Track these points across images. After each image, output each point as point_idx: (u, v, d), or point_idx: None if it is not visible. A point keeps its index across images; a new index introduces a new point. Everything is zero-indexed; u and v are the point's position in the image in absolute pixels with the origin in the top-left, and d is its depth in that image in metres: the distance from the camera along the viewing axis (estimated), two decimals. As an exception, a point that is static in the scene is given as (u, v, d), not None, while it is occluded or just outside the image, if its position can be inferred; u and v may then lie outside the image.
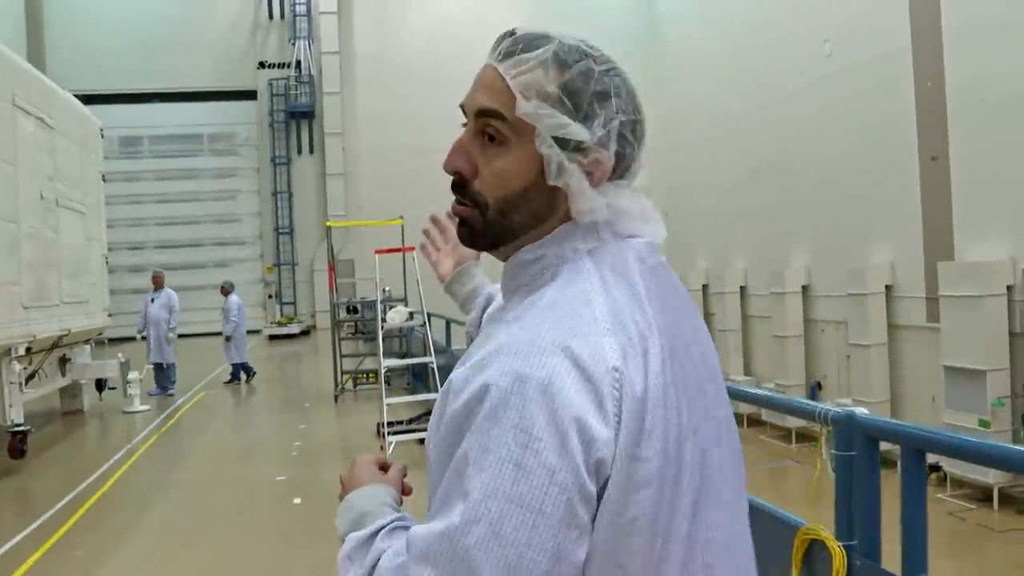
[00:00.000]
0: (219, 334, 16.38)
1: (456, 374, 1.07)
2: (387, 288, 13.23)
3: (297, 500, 7.49)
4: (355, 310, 23.60)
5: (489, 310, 1.55)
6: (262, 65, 32.13)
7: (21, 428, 8.83)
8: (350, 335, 17.22)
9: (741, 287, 18.86)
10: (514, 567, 0.95)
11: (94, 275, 11.42)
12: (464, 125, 1.21)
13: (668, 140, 23.62)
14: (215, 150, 32.47)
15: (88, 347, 12.55)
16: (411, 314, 9.01)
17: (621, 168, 1.19)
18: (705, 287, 20.86)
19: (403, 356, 13.06)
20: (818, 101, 19.93)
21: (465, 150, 1.19)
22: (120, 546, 6.54)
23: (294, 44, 31.59)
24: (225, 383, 15.92)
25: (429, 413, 9.75)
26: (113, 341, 29.13)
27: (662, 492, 1.02)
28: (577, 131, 1.13)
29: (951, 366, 13.68)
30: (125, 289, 31.36)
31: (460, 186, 1.20)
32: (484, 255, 1.45)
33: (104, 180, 12.21)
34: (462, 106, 1.20)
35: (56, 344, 10.18)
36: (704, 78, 24.83)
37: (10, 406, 8.60)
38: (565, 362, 1.00)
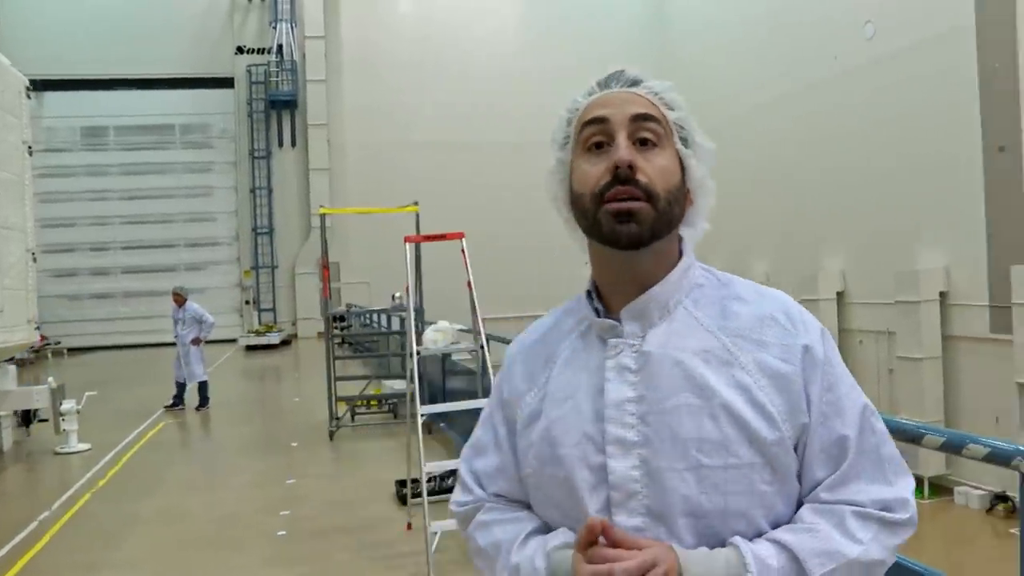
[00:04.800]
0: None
1: (810, 342, 1.32)
2: (397, 295, 10.67)
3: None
4: (342, 319, 21.28)
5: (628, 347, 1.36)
6: (240, 50, 30.36)
7: None
8: (337, 346, 14.71)
9: (763, 294, 17.39)
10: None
11: (12, 277, 8.67)
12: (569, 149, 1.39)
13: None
14: (188, 142, 30.51)
15: (11, 368, 9.83)
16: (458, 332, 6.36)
17: None
18: (719, 293, 19.40)
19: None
20: (856, 89, 18.78)
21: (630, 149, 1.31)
22: None
23: (275, 27, 29.71)
24: (197, 408, 13.31)
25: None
26: (74, 351, 26.65)
27: None
28: (706, 140, 1.39)
29: (1030, 384, 12.95)
30: (86, 294, 29.07)
31: (627, 180, 1.29)
32: None
33: (31, 153, 9.48)
34: (600, 118, 1.33)
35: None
36: (720, 67, 23.59)
37: None
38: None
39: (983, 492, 13.41)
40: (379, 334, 16.27)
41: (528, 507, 1.44)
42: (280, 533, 6.47)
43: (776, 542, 1.25)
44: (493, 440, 1.49)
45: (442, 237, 5.65)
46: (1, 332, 8.34)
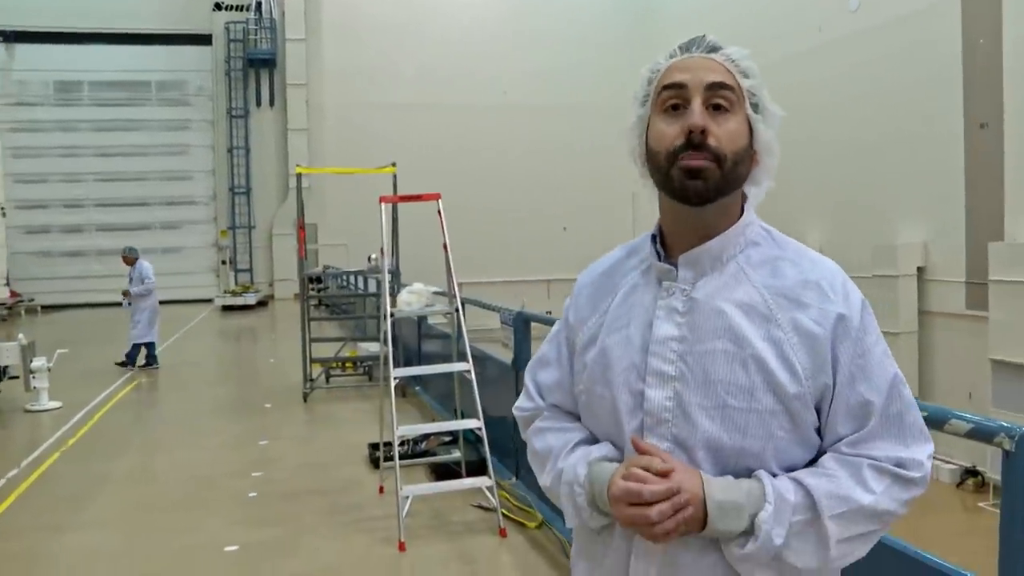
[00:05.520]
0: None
1: (847, 312, 1.43)
2: (373, 256, 10.53)
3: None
4: (318, 280, 21.13)
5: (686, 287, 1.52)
6: (218, 6, 29.75)
7: None
8: (313, 307, 14.58)
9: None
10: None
11: (-20, 232, 8.51)
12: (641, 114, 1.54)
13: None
14: (164, 99, 29.91)
15: (-19, 325, 9.69)
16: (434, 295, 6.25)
17: None
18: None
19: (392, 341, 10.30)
20: (839, 61, 18.69)
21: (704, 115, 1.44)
22: None
23: (255, -16, 29.20)
24: (141, 366, 13.20)
25: (449, 433, 6.94)
26: (47, 309, 26.29)
27: None
28: (775, 106, 1.52)
29: (1001, 360, 12.95)
30: (59, 251, 28.63)
31: (700, 145, 1.42)
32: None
33: (0, 106, 9.25)
34: (678, 83, 1.46)
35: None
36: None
37: None
38: None
39: (953, 466, 13.49)
40: (355, 296, 16.12)
41: (580, 419, 1.62)
42: (251, 495, 6.41)
43: (795, 480, 1.40)
44: (556, 356, 1.68)
45: (418, 198, 5.55)
46: (-32, 287, 8.19)
